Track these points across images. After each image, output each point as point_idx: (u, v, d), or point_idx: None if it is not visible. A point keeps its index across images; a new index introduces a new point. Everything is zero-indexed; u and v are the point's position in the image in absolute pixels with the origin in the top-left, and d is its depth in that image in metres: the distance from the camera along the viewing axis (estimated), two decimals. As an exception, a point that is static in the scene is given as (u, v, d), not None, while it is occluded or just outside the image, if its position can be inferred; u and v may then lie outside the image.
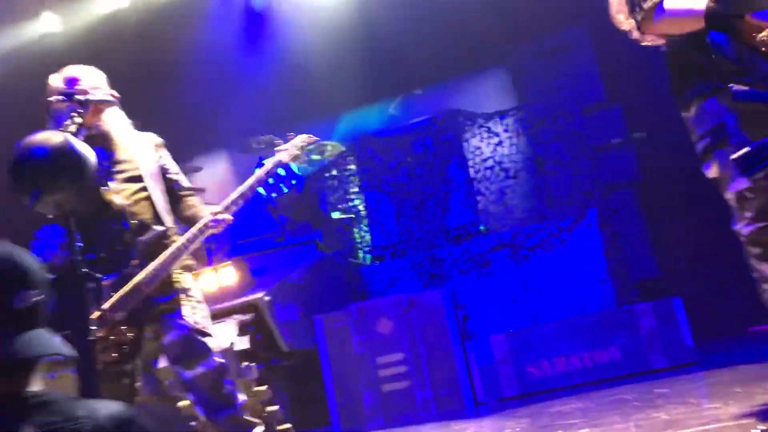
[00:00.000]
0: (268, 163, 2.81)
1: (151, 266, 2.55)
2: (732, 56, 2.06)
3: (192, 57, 6.24)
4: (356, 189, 5.96)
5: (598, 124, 5.79)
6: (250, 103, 6.15)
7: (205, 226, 2.65)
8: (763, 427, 2.06)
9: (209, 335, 2.60)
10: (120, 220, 2.65)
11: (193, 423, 3.90)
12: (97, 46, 5.91)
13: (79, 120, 2.37)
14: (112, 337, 2.51)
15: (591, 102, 5.83)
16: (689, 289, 4.77)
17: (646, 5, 2.20)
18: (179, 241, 2.63)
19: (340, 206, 5.89)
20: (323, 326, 4.27)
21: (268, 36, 6.59)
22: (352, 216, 5.89)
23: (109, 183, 2.68)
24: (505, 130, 5.78)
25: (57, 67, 2.72)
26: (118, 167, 2.70)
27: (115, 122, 2.75)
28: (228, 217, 2.67)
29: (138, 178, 2.70)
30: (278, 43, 6.51)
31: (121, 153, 2.72)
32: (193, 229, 2.65)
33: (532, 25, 5.88)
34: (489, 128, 5.73)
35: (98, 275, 2.60)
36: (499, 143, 5.72)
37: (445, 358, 4.13)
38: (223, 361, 2.58)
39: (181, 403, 3.85)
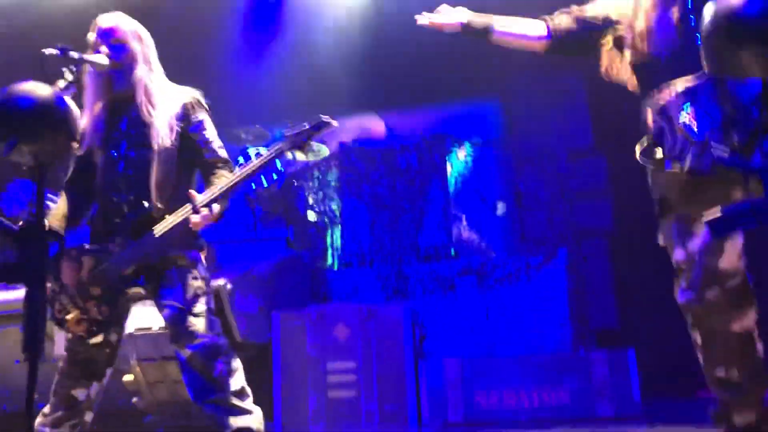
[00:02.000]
0: (269, 151, 2.54)
1: (131, 247, 2.46)
2: (661, 135, 2.16)
3: (194, 38, 6.21)
4: (335, 194, 5.95)
5: (581, 170, 5.86)
6: (245, 93, 6.12)
7: (185, 218, 2.45)
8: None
9: (200, 315, 2.48)
10: (119, 191, 2.56)
11: (134, 399, 3.85)
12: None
13: (70, 77, 2.35)
14: (85, 311, 2.46)
15: (577, 148, 5.90)
16: (646, 343, 4.83)
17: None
18: (162, 223, 2.47)
19: (316, 208, 5.87)
20: (280, 323, 4.24)
21: (273, 30, 6.58)
22: (327, 219, 5.88)
23: (119, 148, 2.58)
24: (490, 161, 5.83)
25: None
26: (136, 131, 2.58)
27: (146, 79, 2.60)
28: (207, 213, 2.43)
29: (152, 146, 2.55)
30: (280, 40, 6.50)
31: (141, 115, 2.57)
32: (173, 216, 2.47)
33: (530, 64, 5.95)
34: (475, 156, 5.77)
35: (85, 245, 2.56)
36: (483, 172, 5.76)
37: (396, 374, 4.13)
38: (214, 342, 2.48)
39: (125, 378, 3.80)
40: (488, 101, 6.44)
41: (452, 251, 5.49)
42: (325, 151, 6.01)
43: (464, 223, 5.61)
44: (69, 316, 2.47)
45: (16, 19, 6.61)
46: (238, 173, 2.48)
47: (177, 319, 2.48)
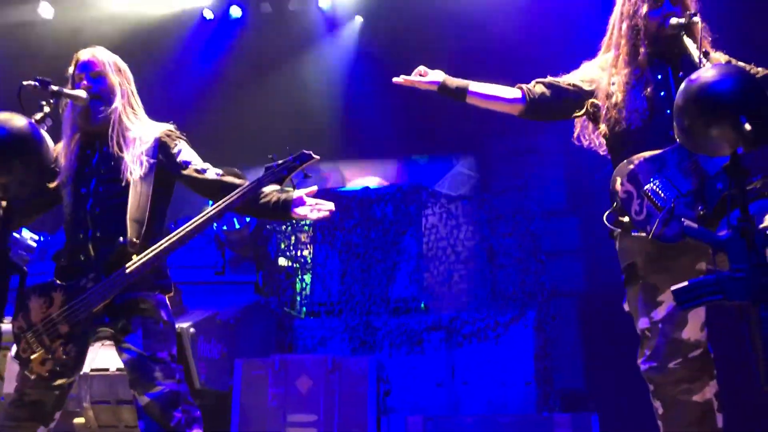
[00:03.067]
0: (250, 182, 2.45)
1: (102, 283, 2.39)
2: (629, 201, 2.20)
3: (184, 72, 6.24)
4: (307, 240, 5.92)
5: (553, 230, 5.92)
6: (223, 134, 6.14)
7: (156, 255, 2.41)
8: None
9: (161, 362, 2.42)
10: (86, 228, 2.51)
11: (83, 443, 3.70)
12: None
13: (47, 109, 2.33)
14: (51, 351, 2.37)
15: (551, 208, 5.98)
16: (610, 406, 4.82)
17: None
18: (136, 259, 2.41)
19: (287, 253, 5.83)
20: (242, 371, 4.15)
21: (254, 73, 6.63)
22: (298, 266, 5.83)
23: (89, 185, 2.54)
24: (464, 216, 5.87)
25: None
26: (106, 166, 2.55)
27: (122, 113, 2.58)
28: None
29: (121, 182, 2.51)
30: (262, 83, 6.56)
31: (114, 150, 2.54)
32: (145, 252, 2.42)
33: (508, 124, 6.07)
34: (450, 210, 5.81)
35: (55, 280, 2.49)
36: (456, 226, 5.79)
37: (358, 429, 4.04)
38: (173, 390, 2.39)
39: (76, 420, 3.66)
40: (466, 158, 6.53)
41: (422, 305, 5.47)
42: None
43: (436, 276, 5.61)
44: (34, 356, 2.38)
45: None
46: (215, 206, 2.43)
47: (136, 364, 2.41)
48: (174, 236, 2.42)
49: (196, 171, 2.56)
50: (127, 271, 2.39)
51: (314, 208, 2.48)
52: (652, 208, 2.17)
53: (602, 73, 2.46)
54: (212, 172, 2.55)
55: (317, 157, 2.49)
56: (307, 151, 2.47)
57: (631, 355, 2.44)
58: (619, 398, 5.23)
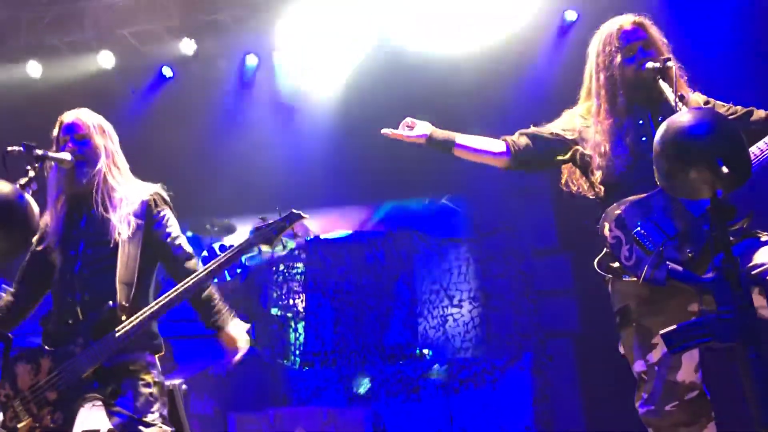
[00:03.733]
0: (237, 245, 2.50)
1: (91, 348, 2.37)
2: (618, 247, 2.22)
3: (177, 124, 6.28)
4: (299, 289, 5.89)
5: (545, 269, 5.91)
6: (211, 185, 6.14)
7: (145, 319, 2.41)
8: None
9: (151, 425, 2.38)
10: (73, 291, 2.49)
11: None
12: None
13: (32, 173, 2.33)
14: (38, 419, 2.33)
15: (542, 247, 5.98)
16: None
17: None
18: (125, 323, 2.39)
19: (280, 303, 5.79)
20: (236, 426, 4.08)
21: (241, 122, 6.69)
22: (290, 315, 5.79)
23: (77, 247, 2.53)
24: (456, 259, 5.86)
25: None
26: (93, 228, 2.54)
27: (107, 174, 2.59)
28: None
29: (109, 244, 2.50)
30: (248, 133, 6.61)
31: (100, 211, 2.54)
32: (134, 316, 2.41)
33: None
34: (441, 253, 5.81)
35: (43, 345, 2.46)
36: (449, 270, 5.79)
37: (356, 482, 3.97)
38: None
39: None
40: (455, 199, 6.55)
41: (417, 351, 5.42)
42: (290, 244, 6.01)
43: (430, 321, 5.57)
44: (21, 425, 2.33)
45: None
46: (204, 269, 2.44)
47: (127, 428, 2.36)
48: (162, 300, 2.42)
49: (166, 245, 2.59)
50: (117, 335, 2.36)
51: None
52: (641, 252, 2.19)
53: (584, 122, 2.50)
54: (182, 250, 2.58)
55: (306, 216, 2.53)
56: (296, 211, 2.51)
57: (630, 396, 2.42)
58: (620, 439, 5.15)
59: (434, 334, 5.55)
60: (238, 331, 2.56)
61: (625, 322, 2.32)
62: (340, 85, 6.38)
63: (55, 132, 2.64)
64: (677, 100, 2.13)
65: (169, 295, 2.43)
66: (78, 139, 2.60)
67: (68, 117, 2.65)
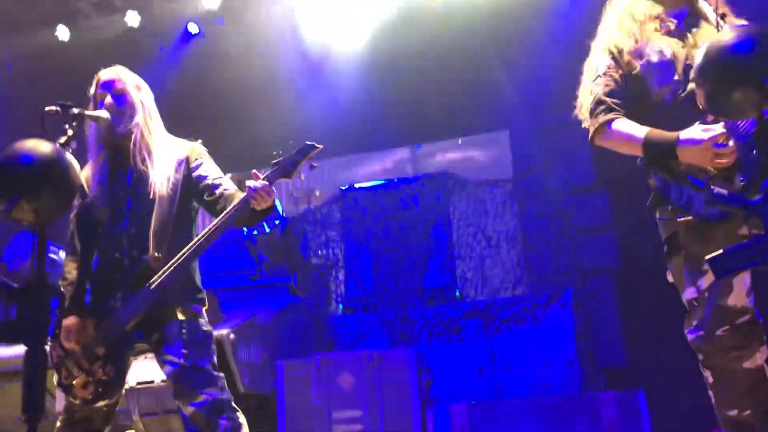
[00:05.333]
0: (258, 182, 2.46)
1: (130, 301, 2.45)
2: (667, 189, 2.15)
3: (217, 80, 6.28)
4: (337, 237, 5.94)
5: (584, 206, 5.85)
6: (239, 137, 6.17)
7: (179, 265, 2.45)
8: None
9: (203, 371, 2.45)
10: (121, 247, 2.55)
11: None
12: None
13: (70, 132, 2.37)
14: (91, 374, 2.42)
15: (579, 184, 5.90)
16: (656, 381, 4.75)
17: (600, 118, 2.30)
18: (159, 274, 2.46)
19: (319, 252, 5.86)
20: (284, 373, 4.19)
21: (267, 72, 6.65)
22: (330, 264, 5.86)
23: (124, 204, 2.58)
24: (492, 200, 5.83)
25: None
26: (139, 185, 2.59)
27: (144, 127, 2.63)
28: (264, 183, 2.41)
29: (151, 199, 2.55)
30: (275, 81, 6.58)
31: (140, 167, 2.59)
32: (168, 265, 2.45)
33: (531, 100, 6.01)
34: (477, 196, 5.77)
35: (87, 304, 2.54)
36: (485, 212, 5.76)
37: (403, 422, 4.05)
38: (217, 398, 2.43)
39: (127, 433, 3.74)
40: (491, 140, 6.48)
41: (457, 293, 5.46)
42: (324, 194, 6.06)
43: (468, 263, 5.59)
44: (76, 381, 2.44)
45: (17, 73, 6.73)
46: (227, 211, 2.47)
47: (178, 375, 2.45)
48: (190, 247, 2.47)
49: (206, 186, 2.59)
50: (152, 287, 2.43)
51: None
52: (690, 190, 2.13)
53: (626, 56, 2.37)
54: (222, 189, 2.57)
55: (320, 146, 2.54)
56: (309, 143, 2.53)
57: (672, 329, 2.40)
58: (664, 373, 5.15)
59: (472, 276, 5.58)
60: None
61: (673, 251, 2.27)
62: (366, 31, 6.30)
63: (93, 89, 2.67)
64: (718, 19, 2.05)
65: (197, 240, 2.48)
66: (116, 93, 2.63)
67: (105, 74, 2.68)
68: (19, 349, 3.05)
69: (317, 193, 5.97)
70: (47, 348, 2.46)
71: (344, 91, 6.28)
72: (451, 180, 5.79)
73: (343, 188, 6.00)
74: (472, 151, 6.45)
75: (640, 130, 2.24)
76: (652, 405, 4.10)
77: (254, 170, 2.51)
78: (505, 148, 6.36)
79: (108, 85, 2.64)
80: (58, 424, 2.53)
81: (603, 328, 5.49)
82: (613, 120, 2.30)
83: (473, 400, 4.33)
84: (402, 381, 4.12)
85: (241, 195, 2.48)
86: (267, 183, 2.44)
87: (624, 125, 2.28)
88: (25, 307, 2.02)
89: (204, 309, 2.62)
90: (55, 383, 2.51)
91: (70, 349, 2.46)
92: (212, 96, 6.47)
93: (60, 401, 3.04)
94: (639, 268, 5.63)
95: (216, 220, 2.49)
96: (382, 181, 6.07)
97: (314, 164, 2.53)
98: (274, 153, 2.54)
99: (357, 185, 6.04)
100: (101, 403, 2.47)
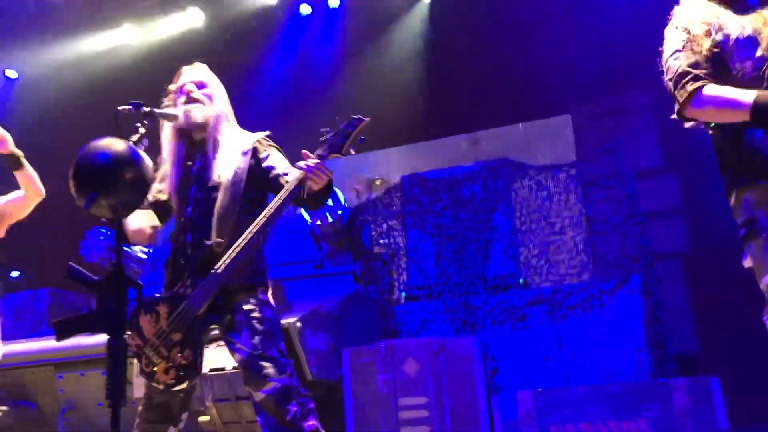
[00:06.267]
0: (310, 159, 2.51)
1: (199, 287, 2.52)
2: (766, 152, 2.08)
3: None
4: (399, 226, 5.97)
5: (651, 190, 5.70)
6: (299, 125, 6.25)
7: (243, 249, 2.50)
8: None
9: (271, 359, 2.52)
10: (185, 234, 2.66)
11: (210, 439, 3.91)
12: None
13: (142, 130, 2.46)
14: (171, 360, 2.52)
15: (646, 167, 5.75)
16: (728, 367, 4.61)
17: (688, 87, 2.20)
18: (224, 257, 2.52)
19: (381, 241, 5.90)
20: (350, 360, 4.25)
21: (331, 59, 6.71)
22: (392, 252, 5.89)
23: (189, 192, 2.69)
24: (556, 186, 5.73)
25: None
26: (203, 174, 2.69)
27: (218, 119, 2.73)
28: (315, 160, 2.45)
29: (217, 186, 2.65)
30: (338, 67, 6.63)
31: (210, 156, 2.69)
32: (231, 249, 2.53)
33: (594, 83, 5.89)
34: (539, 181, 5.69)
35: (157, 294, 2.64)
36: (548, 197, 5.68)
37: (469, 409, 4.06)
38: (284, 384, 2.49)
39: (201, 418, 3.87)
40: (553, 124, 6.37)
41: (521, 280, 5.41)
42: (385, 183, 6.08)
43: (532, 250, 5.53)
44: (157, 368, 2.53)
45: (89, 70, 7.00)
46: (287, 187, 2.53)
47: (248, 363, 2.52)
48: (252, 229, 2.53)
49: (275, 177, 2.66)
50: (218, 271, 2.50)
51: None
52: None
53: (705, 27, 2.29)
54: (290, 176, 2.61)
55: (367, 119, 2.55)
56: (356, 116, 2.55)
57: (745, 314, 2.33)
58: (737, 359, 5.00)
59: (536, 263, 5.51)
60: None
61: (752, 233, 2.19)
62: (424, 16, 6.27)
63: (175, 81, 2.80)
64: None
65: (258, 223, 2.54)
66: (195, 88, 2.76)
67: (188, 68, 2.84)
68: (99, 338, 3.20)
69: (378, 183, 6.01)
70: (126, 337, 2.57)
71: (403, 80, 6.29)
72: (512, 166, 5.73)
73: (404, 177, 6.02)
74: (534, 137, 6.35)
75: (744, 94, 2.10)
76: (726, 390, 3.98)
77: (304, 150, 2.54)
78: (567, 132, 6.23)
79: (190, 77, 2.78)
80: (139, 409, 2.64)
81: (673, 314, 5.35)
82: (703, 87, 2.19)
83: (539, 388, 4.30)
84: (467, 369, 4.12)
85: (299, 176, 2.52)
86: (318, 160, 2.47)
87: (720, 90, 2.15)
88: (105, 298, 2.11)
89: (270, 296, 2.68)
90: (137, 372, 2.60)
91: (147, 338, 2.56)
92: (272, 86, 6.58)
93: (138, 388, 3.17)
94: (709, 251, 5.46)
95: (274, 201, 2.55)
96: (443, 170, 6.06)
97: (363, 137, 2.54)
98: (322, 130, 2.56)
99: (418, 174, 6.04)
100: (180, 388, 2.56)
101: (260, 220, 2.54)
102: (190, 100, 2.73)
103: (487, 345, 4.44)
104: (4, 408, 4.16)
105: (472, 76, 5.95)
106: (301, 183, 2.49)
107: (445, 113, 6.25)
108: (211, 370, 3.85)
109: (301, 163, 2.49)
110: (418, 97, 6.16)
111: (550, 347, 4.92)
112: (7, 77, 7.24)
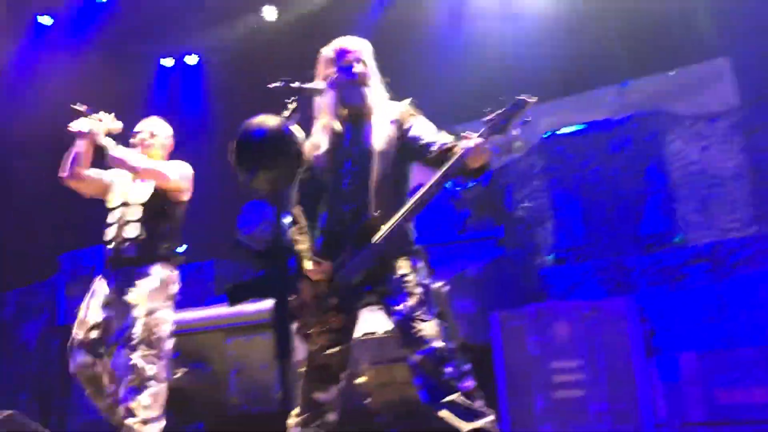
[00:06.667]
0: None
1: (357, 256, 2.62)
2: None
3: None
4: (542, 187, 5.82)
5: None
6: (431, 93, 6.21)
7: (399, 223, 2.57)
8: None
9: (426, 321, 2.58)
10: (343, 204, 2.74)
11: (367, 400, 4.08)
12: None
13: (292, 106, 2.55)
14: (325, 323, 2.65)
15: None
16: None
17: None
18: (382, 229, 2.58)
19: (524, 204, 5.79)
20: (499, 324, 4.23)
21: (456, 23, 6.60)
22: (536, 214, 5.77)
23: (345, 164, 2.75)
24: (714, 134, 5.33)
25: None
26: (356, 148, 2.76)
27: (373, 94, 2.79)
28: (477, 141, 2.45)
29: (371, 158, 2.71)
30: (463, 33, 6.51)
31: (364, 129, 2.76)
32: (388, 223, 2.60)
33: (755, 21, 5.37)
34: (696, 131, 5.32)
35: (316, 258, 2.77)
36: (706, 148, 5.30)
37: (625, 372, 3.92)
38: (441, 346, 2.55)
39: (358, 380, 4.04)
40: (708, 68, 5.89)
41: (678, 238, 5.11)
42: (527, 143, 5.92)
43: (690, 205, 5.19)
44: (312, 330, 2.68)
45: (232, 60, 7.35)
46: (446, 165, 2.53)
47: (406, 325, 2.59)
48: (411, 203, 2.59)
49: (421, 147, 2.68)
50: (377, 241, 2.59)
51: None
52: None
53: None
54: (437, 146, 2.62)
55: (533, 99, 2.46)
56: (521, 97, 2.46)
57: None
58: None
59: (695, 219, 5.18)
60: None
61: None
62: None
63: (331, 55, 2.83)
64: None
65: (417, 196, 2.58)
66: (355, 59, 2.79)
67: (344, 42, 2.85)
68: (264, 304, 3.40)
69: (518, 144, 5.85)
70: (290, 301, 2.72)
71: (541, 29, 6.05)
72: (665, 117, 5.38)
73: (545, 136, 5.84)
74: (688, 84, 5.90)
75: None
76: None
77: (464, 132, 2.53)
78: (726, 77, 5.73)
79: (343, 53, 2.80)
80: (303, 369, 2.80)
81: None
82: None
83: (701, 350, 4.07)
84: (622, 330, 3.97)
85: (457, 150, 2.52)
86: (480, 142, 2.46)
87: None
88: (268, 266, 2.25)
89: (423, 262, 2.72)
90: (295, 333, 2.76)
91: (306, 301, 2.70)
92: (418, 51, 6.56)
93: (300, 351, 3.35)
94: None
95: (433, 178, 2.56)
96: (587, 125, 5.80)
97: (527, 119, 2.48)
98: (485, 110, 2.52)
99: (560, 132, 5.84)
100: (335, 350, 2.68)
101: (420, 193, 2.57)
102: (350, 75, 2.75)
103: (641, 307, 4.26)
104: (184, 369, 4.60)
105: (617, 20, 5.60)
106: (460, 163, 2.49)
107: (588, 64, 5.94)
108: (364, 335, 3.98)
109: (463, 143, 2.48)
110: (558, 47, 5.88)
111: (713, 307, 4.62)
112: (185, 63, 7.73)
